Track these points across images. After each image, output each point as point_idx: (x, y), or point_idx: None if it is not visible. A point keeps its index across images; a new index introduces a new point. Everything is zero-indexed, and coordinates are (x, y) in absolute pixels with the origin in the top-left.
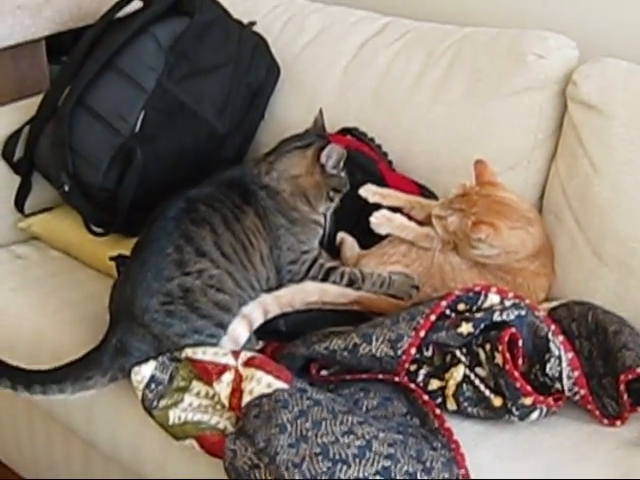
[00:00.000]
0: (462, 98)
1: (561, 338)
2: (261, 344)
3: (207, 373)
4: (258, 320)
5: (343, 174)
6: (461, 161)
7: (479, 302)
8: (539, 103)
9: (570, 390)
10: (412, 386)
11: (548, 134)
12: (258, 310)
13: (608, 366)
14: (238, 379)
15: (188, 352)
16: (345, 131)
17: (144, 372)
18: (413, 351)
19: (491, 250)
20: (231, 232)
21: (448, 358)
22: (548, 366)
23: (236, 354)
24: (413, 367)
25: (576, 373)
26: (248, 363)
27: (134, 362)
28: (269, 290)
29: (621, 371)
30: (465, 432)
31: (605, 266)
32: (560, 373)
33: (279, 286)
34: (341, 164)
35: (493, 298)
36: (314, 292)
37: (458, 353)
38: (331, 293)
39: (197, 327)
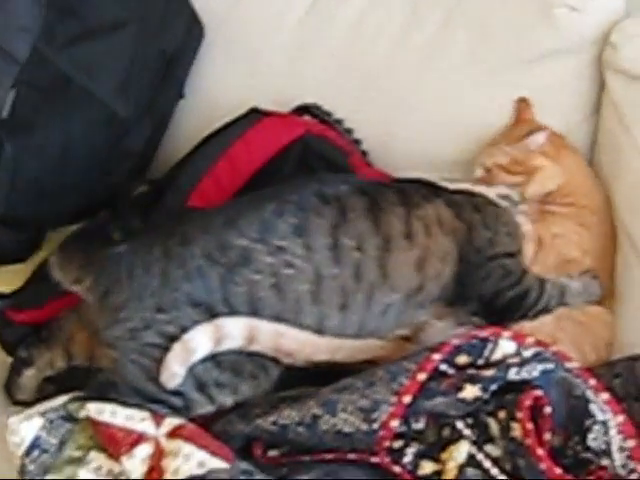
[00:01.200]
0: (464, 65)
1: (605, 396)
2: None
3: (114, 443)
4: (232, 339)
5: None
6: (462, 152)
7: (486, 352)
8: (572, 73)
9: (624, 467)
10: (396, 469)
11: (585, 115)
12: (242, 328)
13: None
14: (158, 454)
15: (90, 409)
16: (302, 110)
17: (25, 432)
18: (395, 423)
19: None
20: (373, 219)
21: (446, 432)
22: (590, 436)
23: (158, 419)
24: (397, 444)
25: (631, 443)
26: (174, 433)
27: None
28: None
29: None
30: None
31: None
32: (608, 444)
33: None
34: None
35: (506, 346)
36: (326, 350)
37: (460, 425)
38: (346, 347)
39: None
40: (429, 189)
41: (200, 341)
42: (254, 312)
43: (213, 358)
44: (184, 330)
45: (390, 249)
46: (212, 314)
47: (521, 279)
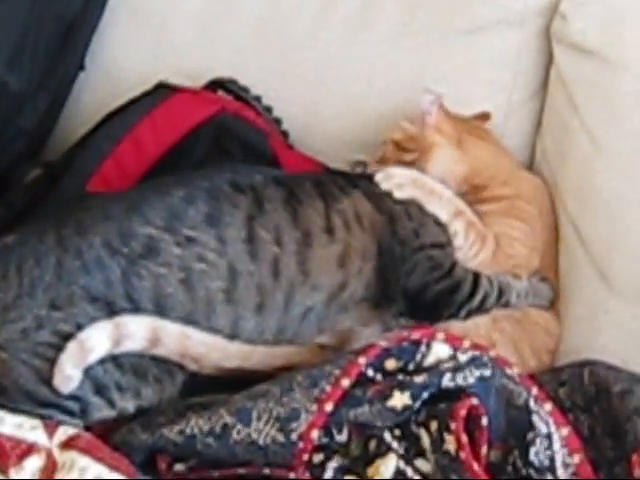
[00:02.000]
0: (394, 37)
1: (549, 407)
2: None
3: (1, 453)
4: (133, 341)
5: None
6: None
7: (418, 356)
8: (515, 46)
9: None
10: None
11: (528, 94)
12: (144, 329)
13: (620, 446)
14: (51, 467)
15: None
16: (216, 85)
17: None
18: (315, 434)
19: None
20: (291, 212)
21: (372, 445)
22: (532, 450)
23: (51, 429)
24: (318, 458)
25: (576, 458)
26: (68, 444)
27: None
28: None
29: (632, 448)
30: None
31: (617, 295)
32: (552, 459)
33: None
34: None
35: (440, 350)
36: (235, 355)
37: (388, 437)
38: (259, 353)
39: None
40: (346, 179)
41: (97, 340)
42: (160, 310)
43: (114, 359)
44: (81, 328)
45: (310, 244)
46: (112, 311)
47: (451, 271)
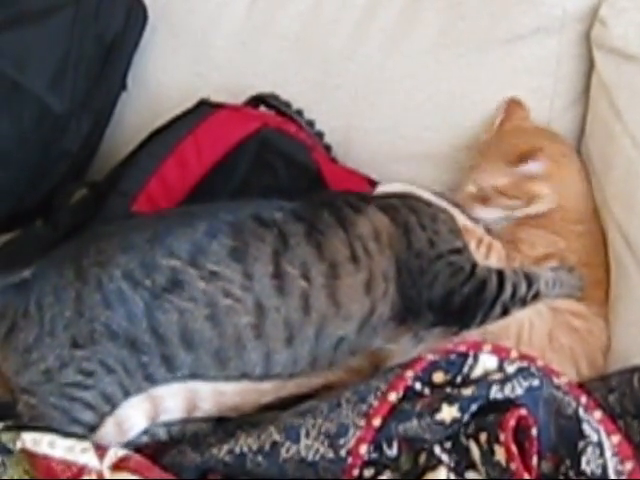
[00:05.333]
0: (434, 48)
1: (598, 415)
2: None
3: (53, 476)
4: (171, 413)
5: None
6: (433, 145)
7: (465, 369)
8: (555, 53)
9: None
10: None
11: (570, 100)
12: (180, 399)
13: None
14: None
15: (26, 440)
16: (257, 101)
17: None
18: (364, 450)
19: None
20: (316, 245)
21: (422, 458)
22: (584, 460)
23: (101, 451)
24: (369, 472)
25: (628, 465)
26: (119, 466)
27: None
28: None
29: None
30: None
31: None
32: (604, 467)
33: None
34: None
35: (487, 361)
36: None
37: (438, 450)
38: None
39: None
40: (357, 195)
41: (135, 420)
42: (188, 346)
43: (141, 392)
44: (104, 365)
45: (338, 275)
46: (135, 347)
47: (473, 272)
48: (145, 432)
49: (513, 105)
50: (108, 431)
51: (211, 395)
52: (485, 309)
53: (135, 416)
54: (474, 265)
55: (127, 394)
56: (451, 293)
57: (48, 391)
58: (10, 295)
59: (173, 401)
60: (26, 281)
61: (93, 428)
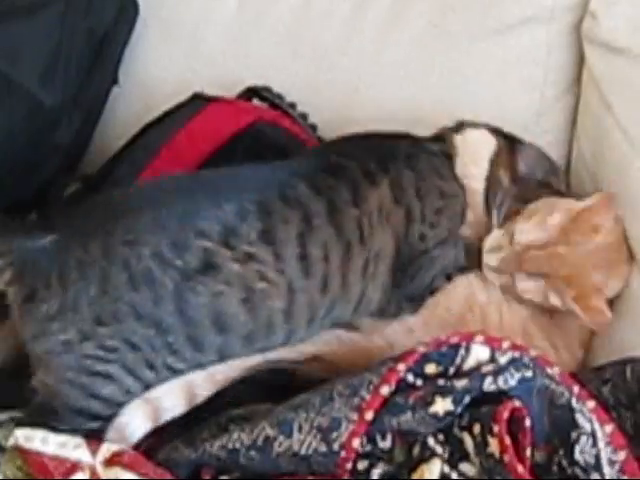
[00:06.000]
0: (425, 39)
1: (591, 404)
2: None
3: (46, 473)
4: (172, 410)
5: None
6: (425, 134)
7: (458, 360)
8: (545, 43)
9: None
10: None
11: (560, 90)
12: (177, 394)
13: None
14: None
15: (19, 436)
16: (250, 93)
17: None
18: (357, 443)
19: None
20: (335, 225)
21: (416, 450)
22: (577, 449)
23: (94, 447)
24: (362, 465)
25: (621, 455)
26: (112, 461)
27: None
28: None
29: None
30: None
31: None
32: (597, 457)
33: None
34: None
35: (480, 352)
36: None
37: (432, 442)
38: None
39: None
40: (380, 160)
41: (137, 424)
42: (220, 329)
43: (166, 367)
44: (128, 343)
45: (350, 257)
46: (161, 328)
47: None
48: None
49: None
50: (110, 438)
51: (206, 380)
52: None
53: (135, 421)
54: (455, 258)
55: (152, 369)
56: (427, 287)
57: (66, 363)
58: (29, 259)
59: (171, 399)
60: (47, 249)
61: (115, 404)
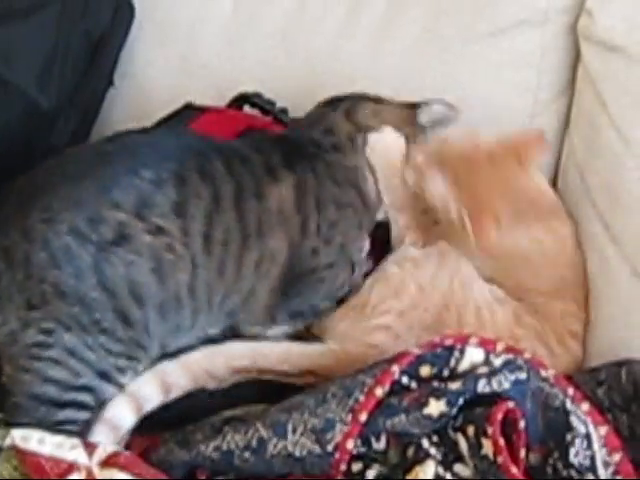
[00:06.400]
0: (418, 43)
1: (586, 407)
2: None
3: (42, 473)
4: (152, 400)
5: None
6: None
7: (452, 362)
8: (539, 46)
9: None
10: None
11: (554, 93)
12: (153, 384)
13: None
14: None
15: (16, 436)
16: (242, 100)
17: None
18: (351, 444)
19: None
20: (238, 213)
21: (410, 452)
22: (572, 451)
23: (90, 448)
24: (357, 467)
25: (616, 457)
26: (108, 462)
27: None
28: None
29: None
30: None
31: None
32: (592, 459)
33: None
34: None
35: (474, 354)
36: (245, 354)
37: (426, 444)
38: (272, 356)
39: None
40: (289, 156)
41: (123, 417)
42: (136, 299)
43: (103, 348)
44: (60, 323)
45: (248, 247)
46: (84, 303)
47: (340, 288)
48: (119, 387)
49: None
50: (100, 433)
51: (179, 369)
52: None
53: (121, 412)
54: (343, 282)
55: (91, 349)
56: (312, 308)
57: (16, 352)
58: None
59: (149, 388)
60: None
61: (70, 388)
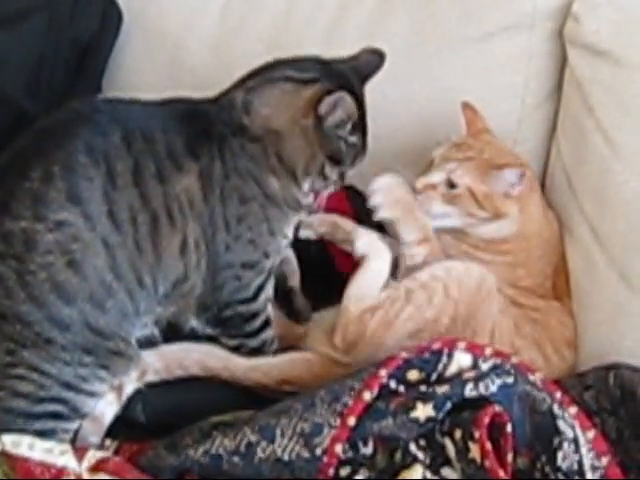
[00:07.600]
0: (406, 47)
1: (573, 411)
2: (113, 443)
3: (33, 478)
4: (131, 384)
5: (353, 139)
6: (406, 143)
7: (440, 367)
8: (526, 50)
9: None
10: None
11: (541, 97)
12: (129, 378)
13: None
14: None
15: (6, 442)
16: None
17: None
18: (339, 449)
19: (511, 223)
20: (140, 192)
21: (398, 456)
22: (560, 455)
23: (80, 453)
24: (345, 471)
25: (604, 461)
26: (98, 467)
27: None
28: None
29: None
30: None
31: (638, 295)
32: (580, 463)
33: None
34: (349, 126)
35: (462, 359)
36: (220, 357)
37: (413, 448)
38: (244, 363)
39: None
40: (191, 146)
41: (105, 410)
42: (64, 299)
43: (61, 360)
44: (13, 341)
45: (159, 228)
46: (20, 319)
47: (255, 297)
48: (93, 395)
49: (469, 111)
50: (88, 430)
51: (155, 355)
52: (242, 336)
53: (104, 407)
54: (260, 289)
55: (48, 362)
56: (228, 305)
57: None
58: None
59: (128, 381)
60: None
61: (38, 400)
